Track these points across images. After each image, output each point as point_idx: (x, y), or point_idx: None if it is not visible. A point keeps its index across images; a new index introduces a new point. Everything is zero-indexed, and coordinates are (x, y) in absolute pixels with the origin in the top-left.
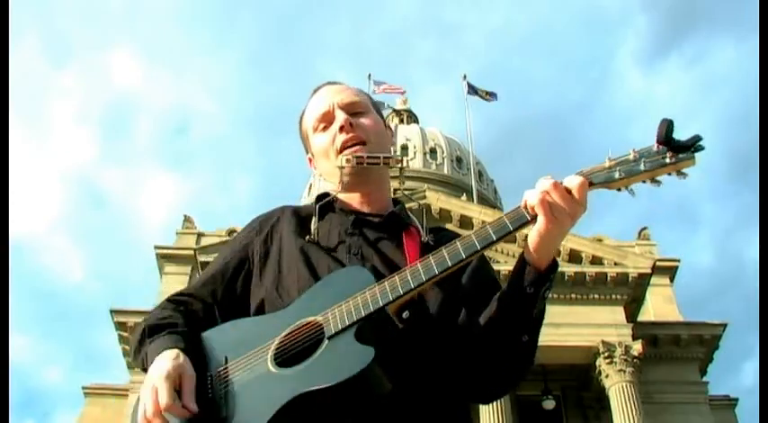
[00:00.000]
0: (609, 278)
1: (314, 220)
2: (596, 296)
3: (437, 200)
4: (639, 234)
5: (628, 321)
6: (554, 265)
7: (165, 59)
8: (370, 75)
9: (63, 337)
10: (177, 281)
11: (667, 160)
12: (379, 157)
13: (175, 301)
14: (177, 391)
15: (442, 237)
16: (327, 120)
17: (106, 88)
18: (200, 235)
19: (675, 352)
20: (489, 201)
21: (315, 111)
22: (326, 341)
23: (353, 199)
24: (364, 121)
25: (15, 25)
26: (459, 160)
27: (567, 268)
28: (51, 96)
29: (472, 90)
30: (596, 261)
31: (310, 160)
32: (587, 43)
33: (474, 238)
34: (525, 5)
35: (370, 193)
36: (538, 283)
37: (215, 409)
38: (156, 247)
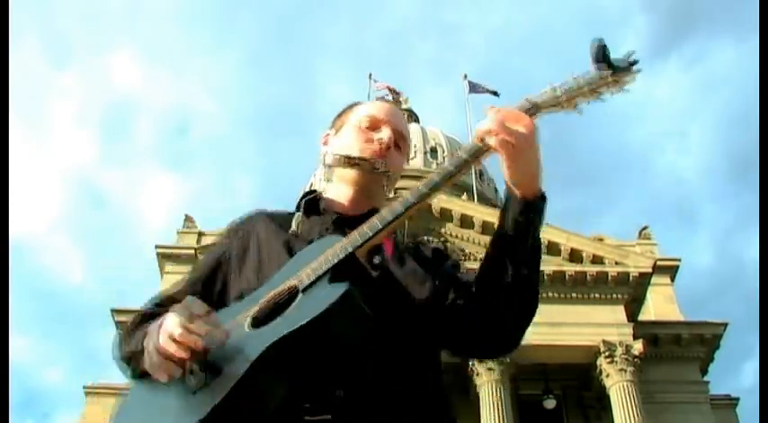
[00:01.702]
0: (610, 277)
1: (297, 215)
2: (597, 295)
3: (438, 199)
4: (640, 233)
5: (628, 321)
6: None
7: (165, 60)
8: (370, 74)
9: (63, 337)
10: (178, 280)
11: (608, 78)
12: (367, 160)
13: (158, 304)
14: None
15: (419, 243)
16: (375, 126)
17: (106, 88)
18: (200, 234)
19: (676, 351)
20: (490, 200)
21: (372, 111)
22: (301, 295)
23: (338, 199)
24: (396, 155)
25: (15, 25)
26: None
27: (568, 267)
28: (51, 97)
29: (474, 89)
30: (597, 260)
31: (327, 136)
32: (587, 43)
33: (434, 175)
34: (525, 5)
35: (356, 197)
36: (525, 212)
37: (200, 378)
38: (157, 247)
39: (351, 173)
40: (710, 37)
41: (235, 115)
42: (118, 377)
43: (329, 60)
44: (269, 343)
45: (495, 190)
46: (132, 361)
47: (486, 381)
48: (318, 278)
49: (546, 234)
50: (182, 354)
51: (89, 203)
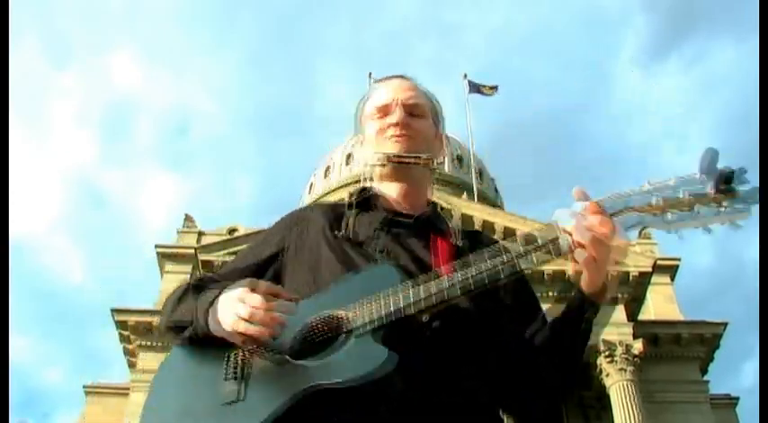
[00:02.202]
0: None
1: (348, 216)
2: None
3: (438, 199)
4: (640, 233)
5: (628, 320)
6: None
7: (165, 60)
8: (370, 74)
9: (63, 337)
10: (178, 280)
11: (707, 190)
12: (412, 156)
13: (206, 278)
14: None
15: (476, 241)
16: (385, 112)
17: (106, 88)
18: (200, 234)
19: (676, 351)
20: (490, 199)
21: (377, 100)
22: (346, 337)
23: (391, 196)
24: (418, 125)
25: (15, 25)
26: (459, 159)
27: (568, 267)
28: (51, 97)
29: (473, 88)
30: None
31: (360, 139)
32: (587, 43)
33: (517, 259)
34: (525, 5)
35: (407, 192)
36: (595, 314)
37: (234, 389)
38: (157, 246)
39: (394, 169)
40: (710, 37)
41: (235, 115)
42: (118, 377)
43: (329, 60)
44: (305, 386)
45: (496, 190)
46: (177, 329)
47: None
48: (369, 327)
49: None
50: (254, 331)
51: (89, 203)
